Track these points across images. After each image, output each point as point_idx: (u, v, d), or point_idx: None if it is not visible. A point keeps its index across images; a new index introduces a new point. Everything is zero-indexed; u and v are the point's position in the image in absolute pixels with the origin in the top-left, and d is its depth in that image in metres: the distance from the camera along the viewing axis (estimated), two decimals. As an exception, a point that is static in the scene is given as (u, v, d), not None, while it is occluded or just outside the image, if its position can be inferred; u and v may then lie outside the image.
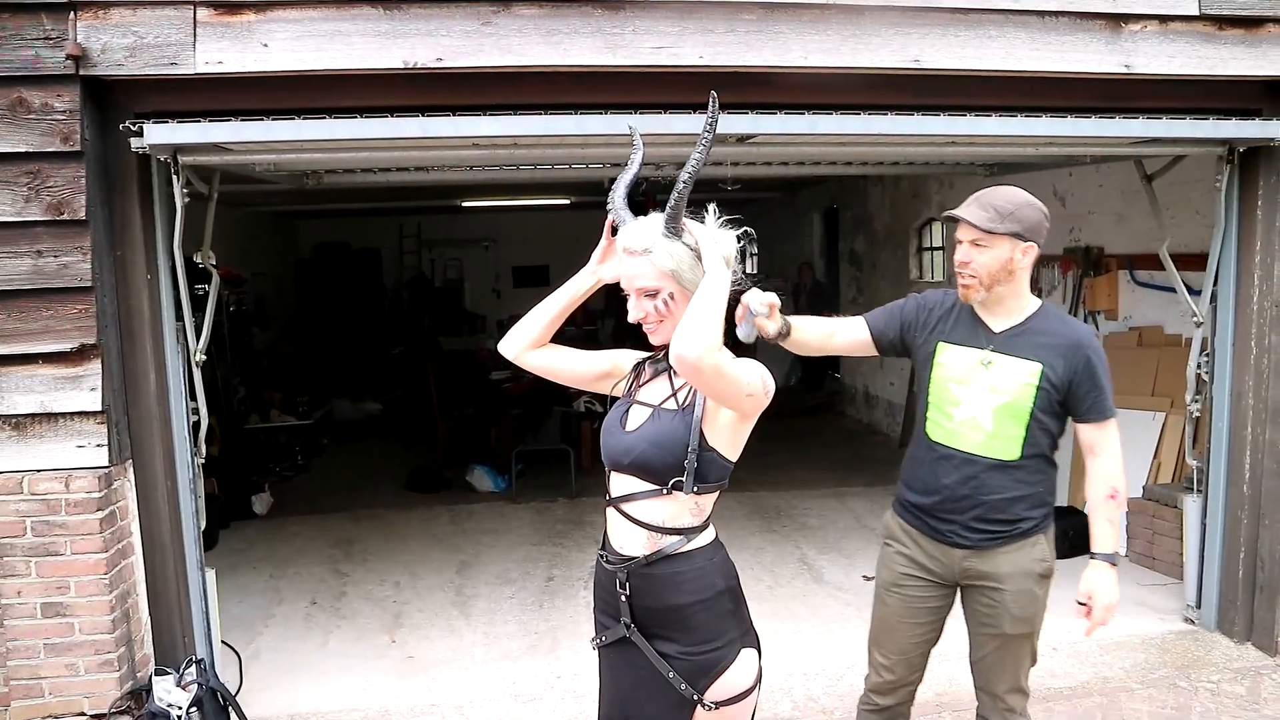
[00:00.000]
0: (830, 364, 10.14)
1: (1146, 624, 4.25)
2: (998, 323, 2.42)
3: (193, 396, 3.51)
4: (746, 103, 3.41)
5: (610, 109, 3.33)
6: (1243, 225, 3.95)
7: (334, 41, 3.17)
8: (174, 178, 3.25)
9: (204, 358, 3.50)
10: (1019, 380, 2.37)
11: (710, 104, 1.84)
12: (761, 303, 2.08)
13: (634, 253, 1.85)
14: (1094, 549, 2.40)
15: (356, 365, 10.93)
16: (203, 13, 3.12)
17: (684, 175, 1.81)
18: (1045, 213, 2.39)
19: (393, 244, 13.25)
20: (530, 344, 2.09)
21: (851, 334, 2.55)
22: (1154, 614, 4.36)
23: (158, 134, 3.09)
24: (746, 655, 1.93)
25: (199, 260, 3.62)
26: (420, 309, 12.91)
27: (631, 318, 1.91)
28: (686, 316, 1.72)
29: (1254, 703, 3.56)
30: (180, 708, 3.26)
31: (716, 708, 1.88)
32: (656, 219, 1.86)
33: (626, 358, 2.11)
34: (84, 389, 3.20)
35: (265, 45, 3.14)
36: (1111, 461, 2.42)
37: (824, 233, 10.83)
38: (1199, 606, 4.20)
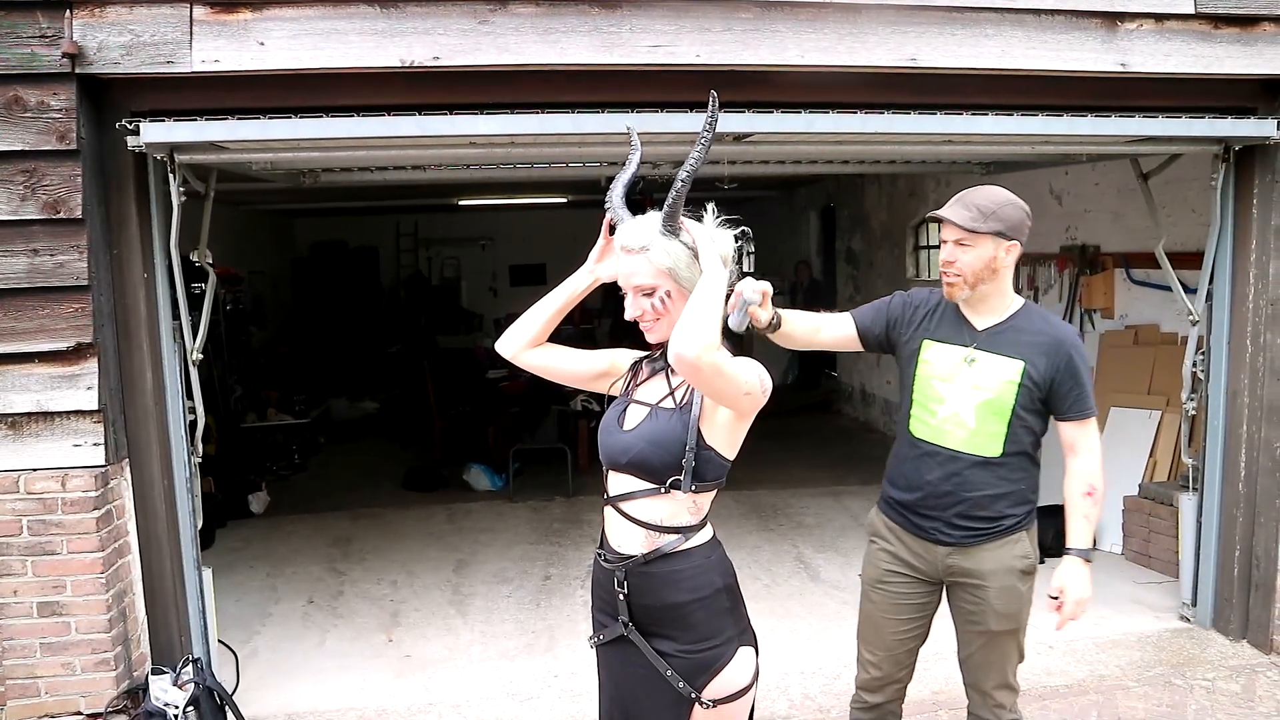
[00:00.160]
0: (827, 362, 10.15)
1: (1142, 622, 4.26)
2: (981, 320, 2.45)
3: (189, 395, 3.51)
4: (743, 101, 3.41)
5: (607, 108, 3.33)
6: (1238, 224, 3.96)
7: (330, 40, 3.16)
8: (170, 176, 3.24)
9: (201, 356, 3.49)
10: (1001, 378, 2.39)
11: (710, 103, 1.84)
12: (755, 290, 2.09)
13: (631, 250, 1.85)
14: (1069, 544, 2.43)
15: (353, 364, 10.91)
16: (199, 11, 3.11)
17: (682, 174, 1.81)
18: (1027, 211, 2.41)
19: (390, 242, 13.24)
20: (528, 343, 2.09)
21: (838, 329, 2.57)
22: (1149, 612, 4.37)
23: (154, 132, 3.09)
24: (744, 653, 1.93)
25: (195, 259, 3.61)
26: (417, 308, 12.89)
27: (629, 315, 1.91)
28: (684, 315, 1.72)
29: (1249, 700, 3.57)
30: (177, 707, 3.26)
31: (714, 705, 1.88)
32: (654, 217, 1.86)
33: (624, 357, 2.11)
34: (80, 388, 3.19)
35: (262, 44, 3.14)
36: (1091, 460, 2.43)
37: (821, 231, 10.84)
38: (1194, 604, 4.21)
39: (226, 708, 3.44)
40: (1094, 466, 2.43)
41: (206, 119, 3.13)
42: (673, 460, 1.86)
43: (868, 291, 9.06)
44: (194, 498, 3.54)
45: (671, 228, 1.84)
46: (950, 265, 2.39)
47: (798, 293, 10.48)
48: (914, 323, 2.52)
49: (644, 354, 2.07)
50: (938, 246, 2.48)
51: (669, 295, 1.86)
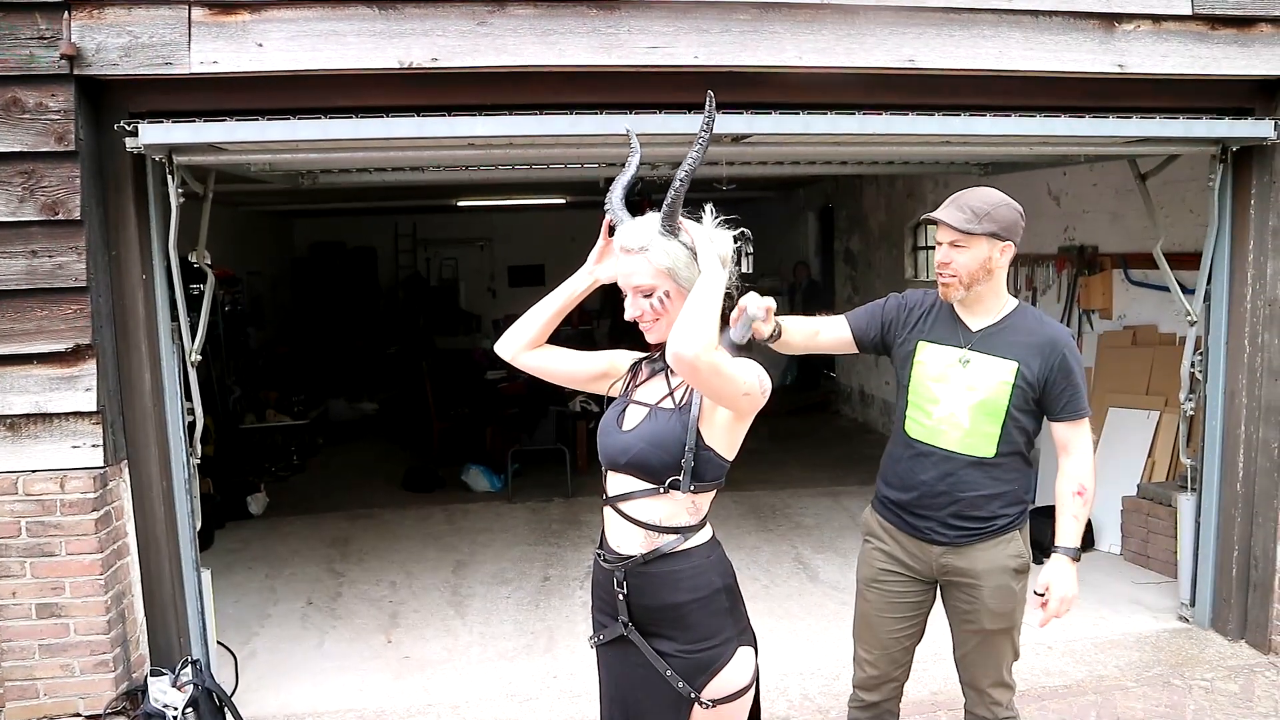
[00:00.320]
0: (825, 363, 10.15)
1: (1141, 622, 4.27)
2: (976, 321, 2.46)
3: (188, 396, 3.50)
4: (741, 103, 3.41)
5: (605, 109, 3.33)
6: (1236, 224, 3.96)
7: (329, 41, 3.17)
8: (169, 178, 3.24)
9: (199, 358, 3.49)
10: (996, 378, 2.40)
11: (707, 104, 1.85)
12: (759, 306, 2.10)
13: (630, 251, 1.86)
14: (1057, 542, 2.44)
15: (352, 365, 10.91)
16: (197, 12, 3.11)
17: (680, 174, 1.82)
18: (1021, 212, 2.43)
19: (388, 243, 13.23)
20: (527, 345, 2.09)
21: (834, 333, 2.59)
22: (1148, 612, 4.37)
23: (152, 134, 3.09)
24: (743, 653, 1.93)
25: (194, 260, 3.61)
26: (416, 308, 12.89)
27: (628, 316, 1.92)
28: (682, 315, 1.72)
29: (1247, 700, 3.57)
30: (176, 708, 3.26)
31: (714, 705, 1.89)
32: (653, 218, 1.86)
33: (623, 358, 2.11)
34: (79, 389, 3.19)
35: (260, 45, 3.14)
36: (1082, 460, 2.44)
37: (819, 232, 10.85)
38: (1193, 604, 4.21)
39: (225, 709, 3.44)
40: (1085, 467, 2.44)
41: (205, 120, 3.13)
42: (672, 460, 1.86)
43: (866, 292, 9.06)
44: (193, 499, 3.53)
45: (670, 228, 1.84)
46: (945, 266, 2.41)
47: (796, 293, 10.49)
48: (909, 324, 2.53)
49: (643, 355, 2.07)
50: (934, 247, 2.49)
51: (668, 295, 1.86)
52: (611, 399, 2.08)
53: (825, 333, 2.57)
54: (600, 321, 11.39)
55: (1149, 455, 5.14)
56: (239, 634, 4.23)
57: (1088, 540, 5.10)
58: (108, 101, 3.23)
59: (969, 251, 2.37)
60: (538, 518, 6.17)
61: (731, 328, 2.01)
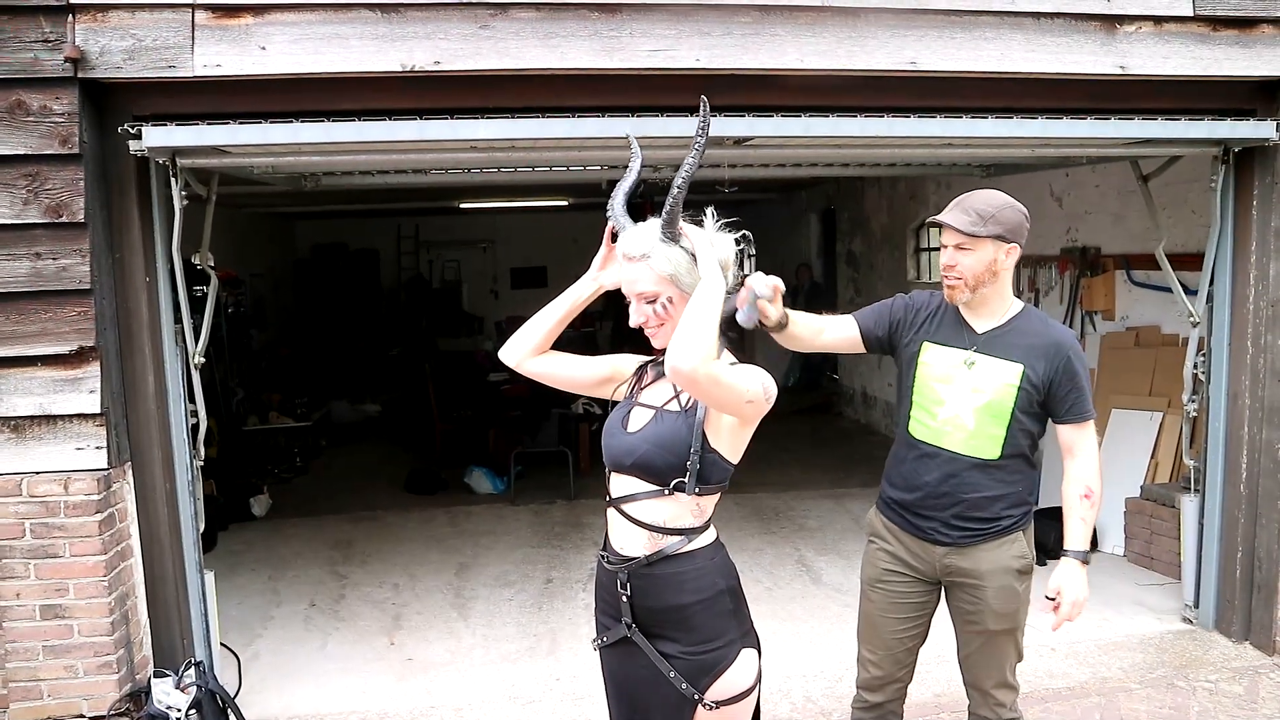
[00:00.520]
0: (828, 365, 10.15)
1: (1144, 623, 4.26)
2: (981, 323, 2.47)
3: (191, 399, 3.51)
4: (743, 105, 3.41)
5: (607, 112, 3.34)
6: (1238, 225, 3.96)
7: (332, 44, 3.17)
8: (172, 180, 3.25)
9: (203, 360, 3.50)
10: (1000, 380, 2.41)
11: (701, 109, 1.86)
12: (766, 284, 2.09)
13: (633, 258, 1.87)
14: (1066, 545, 2.45)
15: (355, 367, 10.93)
16: (201, 15, 3.12)
17: (678, 180, 1.83)
18: (1026, 214, 2.44)
19: (390, 245, 13.24)
20: (531, 351, 2.10)
21: (840, 331, 2.59)
22: (1152, 614, 4.37)
23: (156, 136, 3.10)
24: (747, 655, 1.93)
25: (197, 262, 3.62)
26: (418, 310, 12.89)
27: (633, 323, 1.93)
28: (680, 327, 1.73)
29: (1252, 702, 3.57)
30: (179, 710, 3.26)
31: (717, 707, 1.89)
32: (654, 224, 1.87)
33: (627, 362, 2.12)
34: (83, 391, 3.20)
35: (263, 48, 3.15)
36: (1089, 462, 2.45)
37: (821, 234, 10.85)
38: (1197, 606, 4.21)
39: (228, 710, 3.44)
40: (1092, 469, 2.45)
41: (208, 123, 3.14)
42: (677, 462, 1.86)
43: (868, 294, 9.06)
44: (196, 500, 3.54)
45: (671, 234, 1.85)
46: (951, 269, 2.41)
47: (798, 295, 10.48)
48: (915, 325, 2.54)
49: (648, 358, 2.08)
50: (938, 249, 2.50)
51: (670, 301, 1.87)
52: (615, 402, 2.08)
53: (831, 330, 2.58)
54: (603, 324, 11.40)
55: (1152, 456, 5.13)
56: (242, 635, 4.23)
57: (1091, 542, 5.10)
58: (111, 104, 3.24)
59: (974, 254, 2.38)
60: (540, 520, 6.17)
61: (738, 310, 2.01)
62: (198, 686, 3.33)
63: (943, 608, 2.61)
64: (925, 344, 2.51)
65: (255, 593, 4.87)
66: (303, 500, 6.74)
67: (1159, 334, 5.30)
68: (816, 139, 3.66)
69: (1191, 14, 3.58)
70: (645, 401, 1.99)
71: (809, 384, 10.46)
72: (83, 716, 3.29)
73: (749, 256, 2.02)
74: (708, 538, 1.95)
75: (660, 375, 2.01)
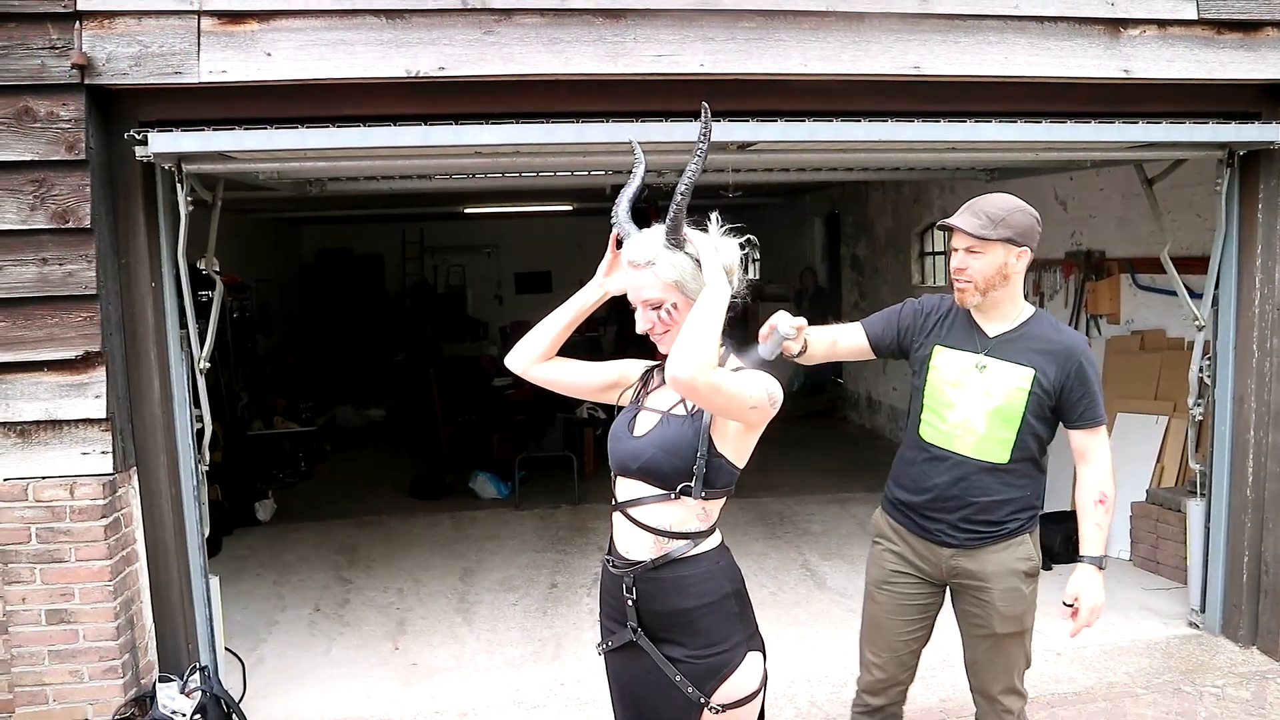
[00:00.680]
0: (833, 369, 10.14)
1: (1151, 628, 4.25)
2: (992, 327, 2.47)
3: (196, 403, 3.52)
4: (747, 110, 3.42)
5: (612, 117, 3.34)
6: (1243, 228, 3.96)
7: (337, 51, 3.19)
8: (178, 186, 3.26)
9: (208, 365, 3.51)
10: (1011, 384, 2.41)
11: (702, 116, 1.86)
12: (791, 326, 2.11)
13: (638, 266, 1.88)
14: (1082, 551, 2.44)
15: (359, 372, 10.94)
16: (207, 22, 3.14)
17: (681, 187, 1.83)
18: (1036, 217, 2.43)
19: (395, 250, 13.28)
20: (538, 358, 2.10)
21: (851, 340, 2.60)
22: (1158, 618, 4.35)
23: (162, 142, 3.11)
24: (752, 658, 1.93)
25: (203, 267, 3.63)
26: (423, 315, 12.92)
27: (639, 329, 1.94)
28: (680, 336, 1.74)
29: (1259, 707, 3.55)
30: (184, 715, 3.26)
31: (723, 710, 1.89)
32: (659, 231, 1.88)
33: (633, 367, 2.12)
34: (89, 396, 3.21)
35: (269, 54, 3.16)
36: (1102, 467, 2.45)
37: (826, 238, 10.84)
38: (1203, 611, 4.19)
39: (233, 715, 3.44)
40: (1105, 474, 2.44)
41: (214, 129, 3.16)
42: (684, 466, 1.87)
43: (873, 298, 9.06)
44: (201, 505, 3.55)
45: (675, 241, 1.86)
46: (961, 272, 2.41)
47: (803, 300, 10.48)
48: (925, 329, 2.54)
49: (654, 363, 2.08)
50: (943, 253, 2.50)
51: (675, 307, 1.88)
52: (621, 406, 2.08)
53: (843, 341, 2.59)
54: (607, 328, 11.40)
55: (1158, 460, 5.12)
56: (247, 640, 4.23)
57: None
58: (118, 110, 3.25)
59: (985, 257, 2.38)
60: (545, 525, 6.17)
61: (760, 344, 2.03)
62: (202, 691, 3.33)
63: (948, 612, 2.61)
64: (936, 347, 2.51)
65: (260, 597, 4.87)
66: (307, 505, 6.75)
67: (1164, 338, 5.29)
68: (820, 144, 3.66)
69: (1196, 17, 3.57)
70: (651, 406, 1.99)
71: (814, 388, 10.44)
72: (88, 721, 3.30)
73: (753, 261, 2.03)
74: (713, 541, 1.95)
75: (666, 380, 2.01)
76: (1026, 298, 2.54)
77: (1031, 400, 2.40)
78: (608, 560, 2.00)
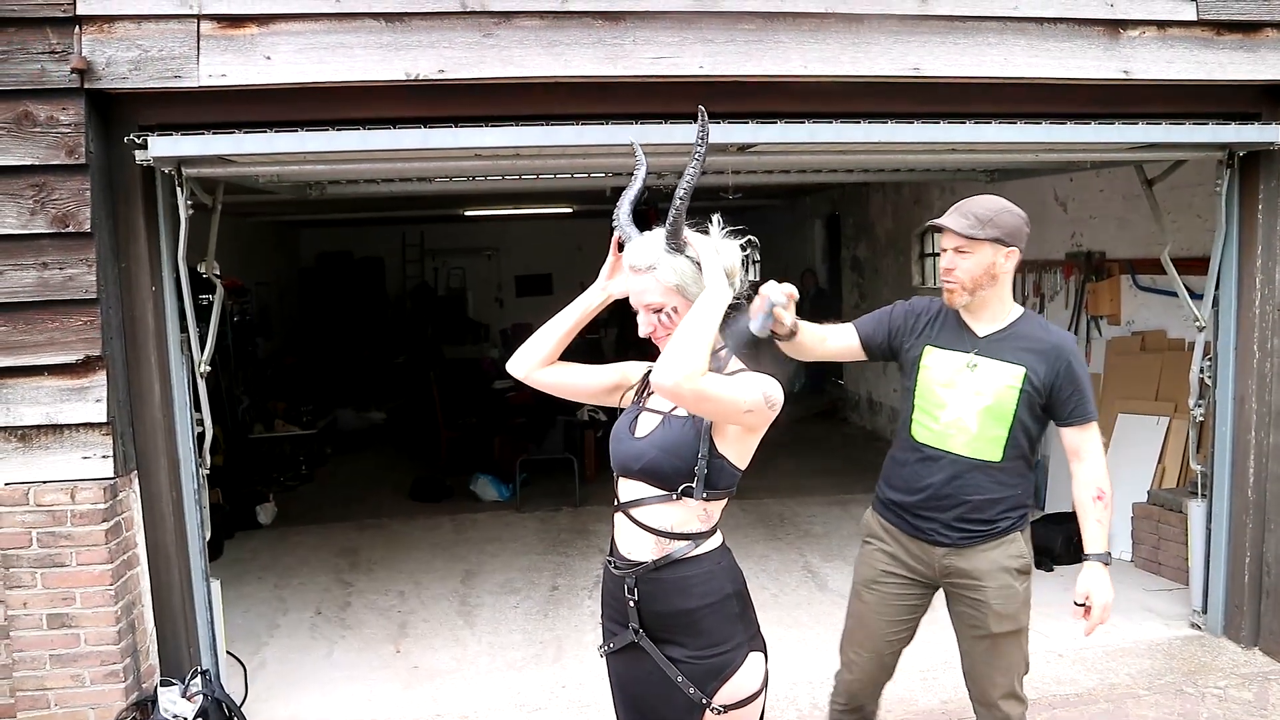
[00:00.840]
0: (833, 370, 10.14)
1: (1153, 629, 4.24)
2: (981, 327, 2.49)
3: (197, 407, 3.52)
4: (747, 112, 3.42)
5: (611, 119, 3.34)
6: (1243, 229, 3.96)
7: (336, 54, 3.19)
8: (178, 189, 3.26)
9: (208, 368, 3.51)
10: (1002, 382, 2.43)
11: (699, 119, 1.87)
12: (781, 293, 2.10)
13: (639, 270, 1.88)
14: (1086, 550, 2.45)
15: (360, 374, 10.94)
16: (206, 26, 3.14)
17: (680, 190, 1.84)
18: (1024, 218, 2.46)
19: (395, 253, 13.28)
20: (540, 362, 2.10)
21: (842, 340, 2.62)
22: (1160, 619, 4.35)
23: (161, 146, 3.11)
24: (754, 659, 1.93)
25: (203, 271, 3.63)
26: (423, 318, 12.92)
27: (642, 332, 1.94)
28: (670, 343, 1.74)
29: (1261, 708, 3.54)
30: (186, 718, 3.26)
31: (725, 711, 1.89)
32: (659, 235, 1.88)
33: (635, 369, 2.12)
34: (89, 400, 3.21)
35: (268, 58, 3.17)
36: (1096, 464, 2.46)
37: (826, 239, 10.85)
38: (1205, 612, 4.19)
39: (235, 719, 3.44)
40: (1100, 470, 2.46)
41: (213, 133, 3.16)
42: (685, 467, 1.87)
43: (873, 299, 9.05)
44: (202, 509, 3.55)
45: (675, 245, 1.86)
46: (950, 272, 2.44)
47: (804, 301, 10.44)
48: (916, 330, 2.56)
49: (655, 365, 2.08)
50: (941, 254, 2.51)
51: (676, 310, 1.88)
52: (622, 408, 2.08)
53: (833, 339, 2.60)
54: (608, 331, 11.40)
55: (1159, 461, 5.11)
56: (248, 644, 4.23)
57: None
58: (117, 115, 3.25)
59: (973, 257, 2.40)
60: (546, 527, 6.17)
61: (751, 319, 2.01)
62: (204, 695, 3.33)
63: (943, 614, 2.60)
64: (927, 348, 2.53)
65: (261, 601, 4.87)
66: (308, 508, 6.74)
67: (1165, 338, 5.29)
68: (820, 145, 3.66)
69: (1195, 18, 3.58)
70: (653, 407, 1.99)
71: (815, 390, 10.44)
72: (89, 725, 3.29)
73: (753, 263, 2.03)
74: (714, 542, 1.95)
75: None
76: (1026, 299, 2.55)
77: (1023, 398, 2.42)
78: (609, 561, 2.00)
